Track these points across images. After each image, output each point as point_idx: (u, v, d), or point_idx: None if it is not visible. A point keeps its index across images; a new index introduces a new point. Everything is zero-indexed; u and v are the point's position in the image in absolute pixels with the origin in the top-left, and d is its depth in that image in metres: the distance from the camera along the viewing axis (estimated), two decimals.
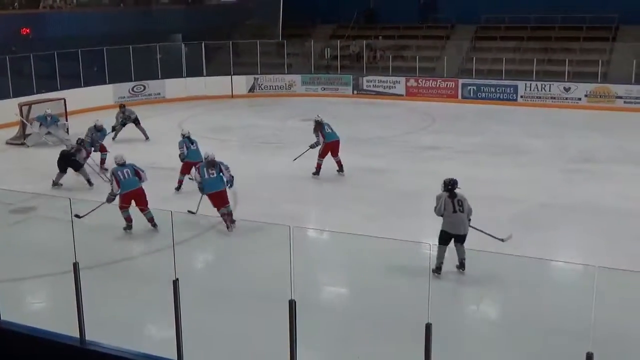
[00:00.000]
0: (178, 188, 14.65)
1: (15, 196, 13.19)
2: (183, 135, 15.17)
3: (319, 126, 15.77)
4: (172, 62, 28.49)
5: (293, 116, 23.47)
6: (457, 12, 30.15)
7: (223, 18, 34.27)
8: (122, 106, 20.37)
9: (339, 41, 30.20)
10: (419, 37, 30.62)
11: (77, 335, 6.33)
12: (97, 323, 6.58)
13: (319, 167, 15.75)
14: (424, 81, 27.42)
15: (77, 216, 10.36)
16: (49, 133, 19.06)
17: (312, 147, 15.92)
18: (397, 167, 16.74)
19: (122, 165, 11.89)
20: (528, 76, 26.03)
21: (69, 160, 14.92)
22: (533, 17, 28.56)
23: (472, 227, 10.12)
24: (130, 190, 11.68)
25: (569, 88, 25.27)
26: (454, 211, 9.79)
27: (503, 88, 26.09)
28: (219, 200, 12.04)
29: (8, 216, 12.53)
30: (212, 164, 12.22)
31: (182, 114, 23.72)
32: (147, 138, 19.88)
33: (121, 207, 11.56)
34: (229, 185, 12.36)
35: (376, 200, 14.17)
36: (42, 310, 9.44)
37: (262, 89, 28.44)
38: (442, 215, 9.87)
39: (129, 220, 11.63)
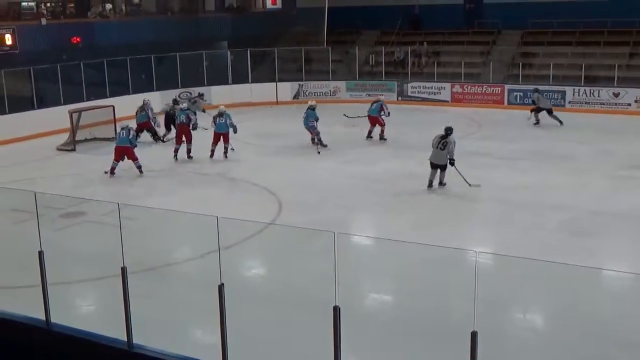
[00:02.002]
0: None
1: (65, 201, 13.44)
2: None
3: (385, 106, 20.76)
4: (218, 69, 28.73)
5: (338, 122, 23.44)
6: (504, 17, 29.87)
7: (268, 25, 34.47)
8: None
9: (383, 47, 30.24)
10: (464, 43, 30.45)
11: (125, 338, 6.40)
12: (145, 327, 6.64)
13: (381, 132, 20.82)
14: (469, 87, 27.24)
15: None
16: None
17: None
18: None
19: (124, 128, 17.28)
20: (576, 82, 25.66)
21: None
22: (581, 22, 28.10)
23: (455, 168, 14.86)
24: (119, 146, 16.88)
25: (619, 93, 24.80)
26: (437, 148, 14.94)
27: (551, 94, 25.63)
28: (223, 138, 18.31)
29: (58, 221, 12.76)
30: (221, 114, 18.37)
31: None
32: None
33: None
34: (233, 130, 18.47)
35: (422, 207, 14.10)
36: (90, 313, 9.58)
37: (306, 96, 28.44)
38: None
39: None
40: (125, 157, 16.81)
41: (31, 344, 7.04)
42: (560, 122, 22.18)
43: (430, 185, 15.13)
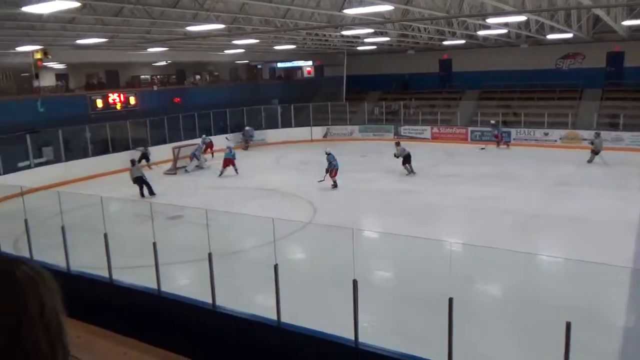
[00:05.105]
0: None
1: (170, 208, 13.70)
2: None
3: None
4: (272, 117, 29.00)
5: (354, 153, 23.39)
6: (466, 82, 29.64)
7: (306, 87, 34.84)
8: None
9: (383, 102, 30.09)
10: (440, 99, 30.15)
11: (210, 301, 6.35)
12: (223, 294, 6.56)
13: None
14: (444, 129, 26.97)
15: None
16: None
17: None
18: (425, 189, 16.44)
19: None
20: (518, 125, 25.26)
21: None
22: (519, 85, 27.74)
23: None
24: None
25: (548, 133, 24.39)
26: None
27: (502, 134, 25.30)
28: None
29: (165, 221, 12.89)
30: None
31: (279, 152, 24.03)
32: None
33: None
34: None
35: (411, 211, 13.95)
36: (185, 285, 9.57)
37: (332, 135, 28.49)
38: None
39: None
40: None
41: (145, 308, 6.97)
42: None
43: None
